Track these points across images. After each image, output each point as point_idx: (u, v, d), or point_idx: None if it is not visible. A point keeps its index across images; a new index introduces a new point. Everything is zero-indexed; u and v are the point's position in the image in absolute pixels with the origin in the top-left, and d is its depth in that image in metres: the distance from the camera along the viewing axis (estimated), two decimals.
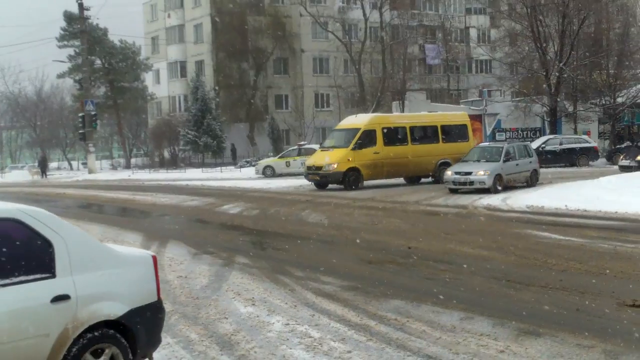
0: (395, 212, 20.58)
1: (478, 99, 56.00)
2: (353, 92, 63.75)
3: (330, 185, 29.54)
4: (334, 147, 29.72)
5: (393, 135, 30.21)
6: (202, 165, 56.39)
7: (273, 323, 8.55)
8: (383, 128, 29.71)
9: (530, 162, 26.95)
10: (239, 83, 62.81)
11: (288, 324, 8.48)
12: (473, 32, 74.08)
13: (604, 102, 47.03)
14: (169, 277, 11.43)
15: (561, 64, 43.58)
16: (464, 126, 32.43)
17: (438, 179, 29.38)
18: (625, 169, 30.42)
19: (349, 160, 28.56)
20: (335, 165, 28.33)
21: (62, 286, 5.63)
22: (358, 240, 14.64)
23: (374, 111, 57.85)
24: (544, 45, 45.00)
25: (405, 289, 10.17)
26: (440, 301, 9.37)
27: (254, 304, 9.54)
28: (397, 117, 33.72)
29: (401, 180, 31.39)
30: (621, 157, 32.73)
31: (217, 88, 61.84)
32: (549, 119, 46.54)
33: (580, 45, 46.65)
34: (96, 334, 5.83)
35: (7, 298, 5.30)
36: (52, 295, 5.54)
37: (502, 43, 53.22)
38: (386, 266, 12.12)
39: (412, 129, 30.72)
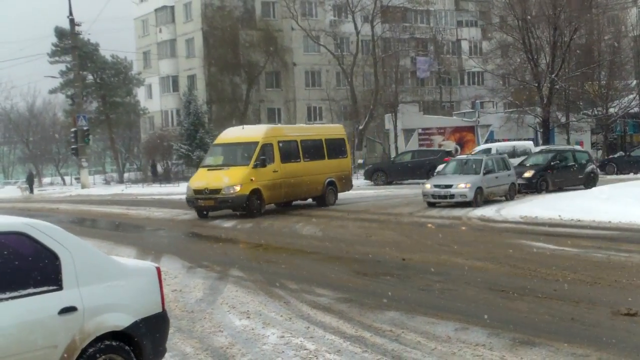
0: (389, 224, 20.58)
1: (470, 110, 56.12)
2: (345, 105, 63.79)
3: (227, 211, 24.37)
4: (227, 165, 24.27)
5: (287, 151, 25.38)
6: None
7: (268, 336, 8.53)
8: (279, 142, 25.02)
9: (509, 175, 26.13)
10: (231, 97, 62.70)
11: (283, 337, 8.46)
12: (465, 45, 74.32)
13: (596, 113, 47.23)
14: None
15: (553, 75, 43.69)
16: (342, 140, 28.53)
17: (324, 202, 26.40)
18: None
19: (252, 180, 23.37)
20: (238, 188, 22.90)
21: (69, 298, 5.68)
22: (352, 253, 14.63)
23: (366, 124, 58.10)
24: (536, 56, 45.14)
25: (400, 301, 10.16)
26: (435, 312, 9.37)
27: (248, 317, 9.52)
28: (290, 130, 28.56)
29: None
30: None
31: (209, 102, 61.82)
32: (541, 130, 46.62)
33: (571, 57, 46.83)
34: (103, 345, 5.87)
35: (16, 310, 5.34)
36: (60, 307, 5.60)
37: (494, 55, 53.35)
38: (381, 278, 12.12)
39: (303, 143, 26.21)
